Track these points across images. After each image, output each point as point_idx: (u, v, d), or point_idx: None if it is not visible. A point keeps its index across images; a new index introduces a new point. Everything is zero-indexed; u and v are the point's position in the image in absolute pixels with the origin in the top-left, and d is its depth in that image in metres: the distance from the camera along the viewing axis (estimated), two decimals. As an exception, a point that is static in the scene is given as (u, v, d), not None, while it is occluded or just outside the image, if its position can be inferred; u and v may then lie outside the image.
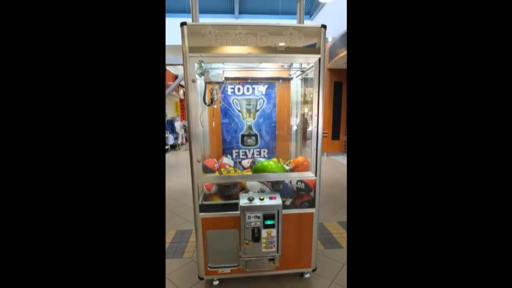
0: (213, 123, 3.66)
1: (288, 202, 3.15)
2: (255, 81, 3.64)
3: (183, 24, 2.47)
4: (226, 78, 3.49)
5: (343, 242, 4.15)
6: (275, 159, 3.68)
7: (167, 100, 15.90)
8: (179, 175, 9.10)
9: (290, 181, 3.27)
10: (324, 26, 2.62)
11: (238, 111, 3.67)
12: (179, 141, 16.41)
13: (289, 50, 2.61)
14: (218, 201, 3.22)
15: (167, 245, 4.20)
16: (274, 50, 2.59)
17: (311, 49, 2.64)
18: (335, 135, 12.22)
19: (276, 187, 3.25)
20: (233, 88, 3.61)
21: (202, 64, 3.00)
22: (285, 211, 2.94)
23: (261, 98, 3.68)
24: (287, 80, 3.74)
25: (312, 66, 2.73)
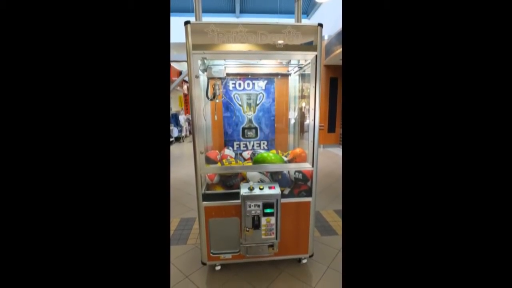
0: (215, 116, 3.66)
1: (286, 191, 3.16)
2: (255, 77, 3.63)
3: (187, 23, 2.46)
4: (228, 74, 3.49)
5: (339, 229, 4.16)
6: (274, 151, 3.68)
7: (172, 95, 15.89)
8: (183, 166, 9.10)
9: (288, 172, 3.27)
10: (320, 25, 2.61)
11: (239, 105, 3.67)
12: (183, 134, 16.41)
13: (287, 47, 2.60)
14: (220, 190, 3.22)
15: (172, 232, 4.21)
16: (273, 47, 2.59)
17: (308, 46, 2.63)
18: (331, 128, 12.21)
19: (275, 177, 3.25)
20: (234, 84, 3.61)
21: (205, 61, 3.00)
22: (284, 200, 2.95)
23: (261, 93, 3.67)
24: (286, 76, 3.74)
25: (309, 63, 2.72)
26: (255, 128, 3.77)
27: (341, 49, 9.10)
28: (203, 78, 3.18)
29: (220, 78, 3.24)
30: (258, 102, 3.69)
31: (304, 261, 3.33)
